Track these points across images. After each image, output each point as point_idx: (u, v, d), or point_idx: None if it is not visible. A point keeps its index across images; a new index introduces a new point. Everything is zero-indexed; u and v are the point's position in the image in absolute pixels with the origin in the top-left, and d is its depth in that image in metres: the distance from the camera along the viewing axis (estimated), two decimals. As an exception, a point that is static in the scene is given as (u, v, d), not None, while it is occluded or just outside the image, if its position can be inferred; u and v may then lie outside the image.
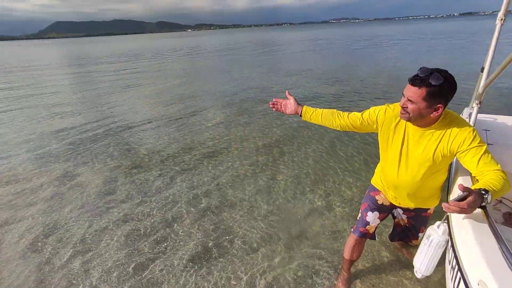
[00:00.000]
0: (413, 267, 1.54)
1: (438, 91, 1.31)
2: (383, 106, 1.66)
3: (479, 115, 2.39)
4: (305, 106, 1.87)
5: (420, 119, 1.43)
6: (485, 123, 2.48)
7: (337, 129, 1.79)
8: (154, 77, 12.81)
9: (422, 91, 1.32)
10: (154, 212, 3.11)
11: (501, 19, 2.14)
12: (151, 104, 7.87)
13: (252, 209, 3.11)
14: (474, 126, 2.08)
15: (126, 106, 7.78)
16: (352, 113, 1.75)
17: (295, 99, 1.90)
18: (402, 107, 1.43)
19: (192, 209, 3.15)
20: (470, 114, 2.31)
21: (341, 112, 1.78)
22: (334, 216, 2.94)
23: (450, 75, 1.33)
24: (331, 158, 4.19)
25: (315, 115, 1.81)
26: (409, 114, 1.40)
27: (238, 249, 2.56)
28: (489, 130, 2.36)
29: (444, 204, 1.16)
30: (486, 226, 1.21)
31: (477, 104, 2.30)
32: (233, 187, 3.55)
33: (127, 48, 40.70)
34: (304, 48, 24.11)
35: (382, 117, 1.62)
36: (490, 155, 1.36)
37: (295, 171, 3.88)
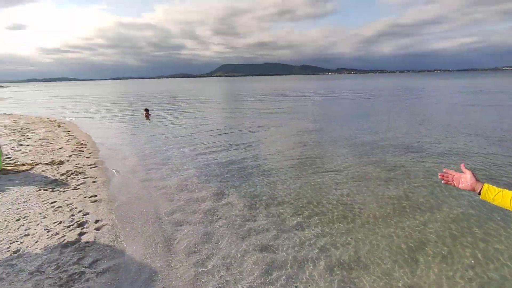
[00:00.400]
0: None
1: None
2: None
3: None
4: (486, 183, 1.65)
5: None
6: None
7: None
8: (295, 118, 13.85)
9: None
10: (288, 249, 3.30)
11: None
12: (291, 144, 8.52)
13: (388, 278, 2.83)
14: None
15: (268, 143, 8.73)
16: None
17: (472, 173, 1.70)
18: None
19: (324, 258, 3.15)
20: None
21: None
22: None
23: None
24: (498, 243, 3.33)
25: (501, 196, 1.56)
26: None
27: (369, 317, 2.36)
28: None
29: None
30: None
31: None
32: (368, 246, 3.34)
33: (275, 88, 46.00)
34: (465, 99, 20.61)
35: None
36: None
37: (450, 246, 3.30)
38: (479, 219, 3.86)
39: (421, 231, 3.62)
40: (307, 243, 3.42)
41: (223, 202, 4.60)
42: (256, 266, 3.01)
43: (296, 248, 3.31)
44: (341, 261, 3.09)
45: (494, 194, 1.60)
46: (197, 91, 44.55)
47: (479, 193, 1.65)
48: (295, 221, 3.93)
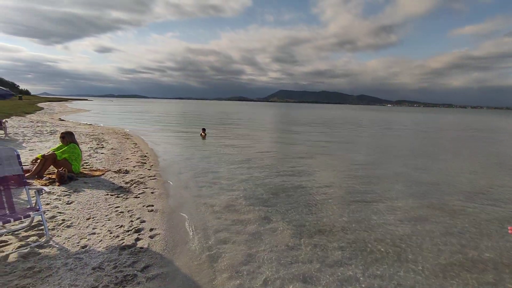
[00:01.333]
0: None
1: None
2: None
3: None
4: None
5: None
6: None
7: None
8: (348, 149, 13.44)
9: None
10: (332, 286, 3.16)
11: None
12: (341, 175, 8.26)
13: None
14: None
15: (317, 173, 8.58)
16: None
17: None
18: None
19: (369, 300, 2.95)
20: None
21: None
22: None
23: None
24: None
25: None
26: None
27: None
28: None
29: None
30: None
31: None
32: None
33: (329, 116, 45.40)
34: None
35: None
36: None
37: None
38: None
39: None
40: (352, 281, 3.24)
41: (268, 227, 4.62)
42: (296, 298, 2.93)
43: (340, 286, 3.16)
44: (389, 309, 2.85)
45: None
46: (252, 114, 46.18)
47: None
48: (340, 256, 3.77)
